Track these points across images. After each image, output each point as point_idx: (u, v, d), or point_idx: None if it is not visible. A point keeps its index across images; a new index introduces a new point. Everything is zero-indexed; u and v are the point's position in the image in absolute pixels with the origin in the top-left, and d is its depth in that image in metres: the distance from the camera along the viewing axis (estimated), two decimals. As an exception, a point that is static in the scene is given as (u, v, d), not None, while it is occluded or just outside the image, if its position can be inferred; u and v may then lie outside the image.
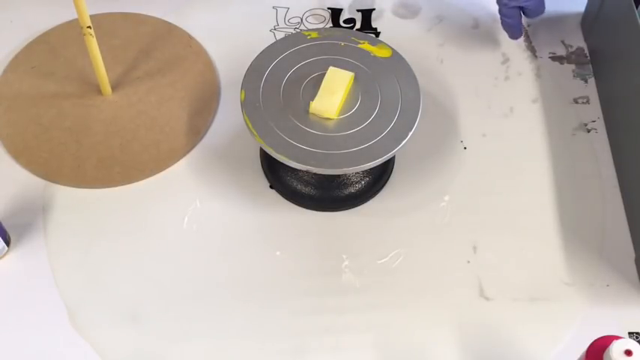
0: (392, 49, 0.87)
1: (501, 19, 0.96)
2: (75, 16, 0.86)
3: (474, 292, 0.81)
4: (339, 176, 0.86)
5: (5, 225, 0.82)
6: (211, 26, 1.03)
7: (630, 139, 0.86)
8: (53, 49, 1.00)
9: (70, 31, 1.01)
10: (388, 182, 0.88)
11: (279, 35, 1.02)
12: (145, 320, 0.79)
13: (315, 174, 0.85)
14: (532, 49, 1.00)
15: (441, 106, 0.95)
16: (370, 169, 0.80)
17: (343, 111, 0.81)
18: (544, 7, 0.96)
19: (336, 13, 1.05)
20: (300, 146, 0.78)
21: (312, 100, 0.81)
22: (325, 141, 0.79)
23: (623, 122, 0.89)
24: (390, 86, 0.83)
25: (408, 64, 0.85)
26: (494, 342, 0.77)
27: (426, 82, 0.92)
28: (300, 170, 0.81)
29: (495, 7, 0.97)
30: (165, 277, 0.81)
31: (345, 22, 1.04)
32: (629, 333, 0.78)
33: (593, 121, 0.94)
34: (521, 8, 0.95)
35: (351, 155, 0.78)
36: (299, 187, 0.86)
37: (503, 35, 0.99)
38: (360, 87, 0.83)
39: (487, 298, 0.80)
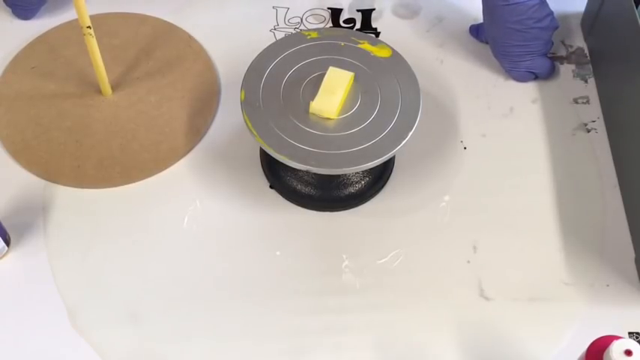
0: (392, 49, 0.87)
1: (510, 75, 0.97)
2: (75, 16, 0.86)
3: (474, 292, 0.81)
4: (339, 176, 0.86)
5: (5, 225, 0.82)
6: (211, 26, 1.03)
7: (630, 139, 0.86)
8: (53, 49, 1.00)
9: (70, 31, 1.01)
10: (388, 182, 0.88)
11: (279, 35, 1.02)
12: (145, 320, 0.79)
13: (315, 174, 0.85)
14: (532, 49, 1.00)
15: (441, 106, 0.95)
16: (370, 169, 0.80)
17: (343, 111, 0.81)
18: (554, 68, 0.97)
19: (336, 13, 1.05)
20: (300, 146, 0.78)
21: (312, 100, 0.81)
22: (325, 141, 0.79)
23: (623, 122, 0.89)
24: (390, 86, 0.83)
25: (408, 64, 0.85)
26: (494, 342, 0.77)
27: (426, 82, 0.92)
28: (300, 170, 0.81)
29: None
30: (165, 277, 0.81)
31: (345, 22, 1.04)
32: (629, 333, 0.78)
33: (593, 121, 0.94)
34: (532, 72, 0.96)
35: (351, 155, 0.78)
36: (299, 187, 0.86)
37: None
38: (360, 87, 0.83)
39: (487, 298, 0.80)
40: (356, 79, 0.83)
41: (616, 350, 0.61)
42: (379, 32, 1.02)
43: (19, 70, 0.98)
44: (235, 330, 0.78)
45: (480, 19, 0.98)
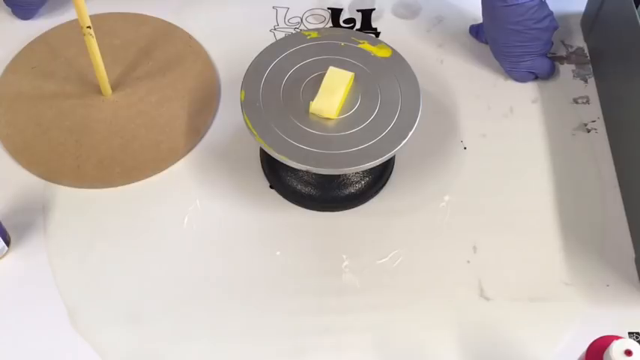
0: (392, 49, 0.87)
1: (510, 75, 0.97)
2: (75, 16, 0.86)
3: (474, 292, 0.81)
4: (339, 176, 0.86)
5: (5, 225, 0.82)
6: (211, 26, 1.03)
7: (630, 139, 0.86)
8: (53, 49, 1.00)
9: (70, 31, 1.01)
10: (388, 182, 0.88)
11: (279, 35, 1.02)
12: (145, 320, 0.79)
13: (315, 174, 0.85)
14: (532, 49, 1.00)
15: (441, 106, 0.95)
16: (370, 169, 0.80)
17: (343, 111, 0.81)
18: (554, 68, 0.97)
19: (336, 13, 1.05)
20: (300, 146, 0.78)
21: (312, 100, 0.81)
22: (325, 141, 0.79)
23: (623, 122, 0.89)
24: (390, 86, 0.83)
25: (408, 64, 0.85)
26: (494, 342, 0.77)
27: (426, 82, 0.92)
28: (300, 170, 0.81)
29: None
30: (165, 277, 0.81)
31: (345, 22, 1.04)
32: (629, 333, 0.78)
33: (593, 121, 0.94)
34: (532, 72, 0.96)
35: (351, 155, 0.78)
36: (299, 187, 0.86)
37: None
38: (360, 87, 0.83)
39: (487, 298, 0.80)
40: (356, 79, 0.83)
41: (616, 350, 0.61)
42: (379, 32, 1.03)
43: (19, 70, 0.98)
44: (235, 330, 0.78)
45: (480, 19, 0.98)
